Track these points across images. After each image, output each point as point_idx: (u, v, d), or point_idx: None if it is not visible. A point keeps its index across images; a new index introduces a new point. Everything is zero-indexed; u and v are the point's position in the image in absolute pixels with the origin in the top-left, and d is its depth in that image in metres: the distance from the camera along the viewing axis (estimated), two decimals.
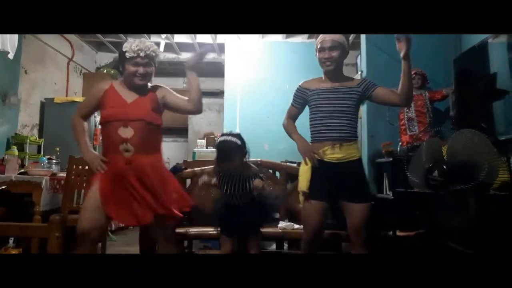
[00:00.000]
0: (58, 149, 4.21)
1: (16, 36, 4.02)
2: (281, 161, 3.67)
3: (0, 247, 3.09)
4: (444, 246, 2.55)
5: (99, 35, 6.49)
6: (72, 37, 6.44)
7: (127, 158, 2.18)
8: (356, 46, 5.48)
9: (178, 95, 2.39)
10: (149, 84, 2.38)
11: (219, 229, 2.50)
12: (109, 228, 4.64)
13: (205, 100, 8.17)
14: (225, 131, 5.97)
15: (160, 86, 2.41)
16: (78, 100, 5.71)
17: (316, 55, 2.36)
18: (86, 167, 3.34)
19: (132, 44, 2.21)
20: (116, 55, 2.29)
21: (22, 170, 3.60)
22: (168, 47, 6.85)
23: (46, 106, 5.75)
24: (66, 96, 6.25)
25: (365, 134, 4.43)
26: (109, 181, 2.19)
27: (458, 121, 3.65)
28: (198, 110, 2.38)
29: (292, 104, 2.47)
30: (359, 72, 4.89)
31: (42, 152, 5.12)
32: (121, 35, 6.37)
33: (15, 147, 4.01)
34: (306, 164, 2.28)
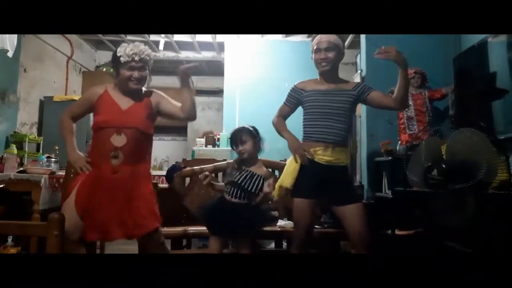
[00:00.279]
0: (57, 147, 4.20)
1: (15, 34, 4.01)
2: (280, 160, 3.67)
3: None
4: (443, 245, 2.55)
5: (99, 34, 6.48)
6: (72, 35, 6.43)
7: (115, 166, 2.16)
8: (355, 45, 5.49)
9: (173, 101, 2.37)
10: (144, 89, 2.36)
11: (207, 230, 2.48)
12: None
13: (205, 99, 8.23)
14: (224, 129, 6.00)
15: (154, 92, 2.39)
16: (77, 99, 5.70)
17: (312, 57, 2.37)
18: None
19: (126, 48, 2.20)
20: (117, 54, 2.28)
21: (21, 169, 3.59)
22: (168, 46, 6.85)
23: (45, 104, 5.75)
24: (65, 94, 6.24)
25: (364, 133, 4.43)
26: (90, 187, 2.16)
27: (457, 120, 3.65)
28: (191, 118, 2.37)
29: (284, 103, 2.48)
30: (359, 71, 4.89)
31: (41, 151, 5.11)
32: (121, 34, 6.37)
33: (14, 145, 4.00)
34: (296, 161, 2.28)
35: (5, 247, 3.17)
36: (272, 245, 3.49)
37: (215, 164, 3.12)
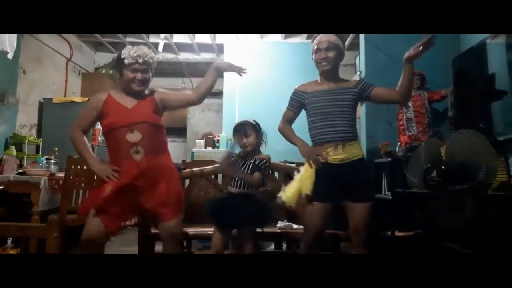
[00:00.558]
0: (56, 149, 4.21)
1: (15, 36, 4.02)
2: (280, 161, 3.67)
3: None
4: (443, 246, 2.55)
5: (98, 35, 6.49)
6: (71, 37, 6.43)
7: (138, 161, 2.22)
8: (354, 46, 5.50)
9: (175, 92, 2.45)
10: (147, 90, 2.40)
11: (213, 222, 2.50)
12: None
13: (204, 100, 8.20)
14: (223, 131, 6.00)
15: (156, 90, 2.45)
16: (76, 101, 5.71)
17: (312, 57, 2.37)
18: (85, 167, 3.33)
19: (131, 50, 2.25)
20: (115, 55, 2.32)
21: (21, 170, 3.59)
22: (167, 48, 6.85)
23: (44, 106, 5.74)
24: (65, 96, 6.24)
25: (363, 135, 4.43)
26: (118, 188, 2.20)
27: (457, 122, 3.66)
28: (200, 100, 2.47)
29: (288, 108, 2.46)
30: (358, 73, 4.90)
31: (40, 152, 5.11)
32: (120, 35, 6.37)
33: (14, 147, 4.00)
34: (311, 167, 2.25)
35: (4, 248, 3.17)
36: (272, 246, 3.49)
37: (215, 165, 3.12)
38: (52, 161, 3.91)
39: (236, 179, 2.44)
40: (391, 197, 3.56)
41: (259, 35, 6.22)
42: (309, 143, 2.37)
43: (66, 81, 6.41)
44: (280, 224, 2.92)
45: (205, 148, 6.14)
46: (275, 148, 5.35)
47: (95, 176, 3.39)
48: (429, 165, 2.17)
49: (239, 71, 2.43)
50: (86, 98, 5.68)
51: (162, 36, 6.24)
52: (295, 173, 2.38)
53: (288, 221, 2.96)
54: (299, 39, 6.24)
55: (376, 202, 2.33)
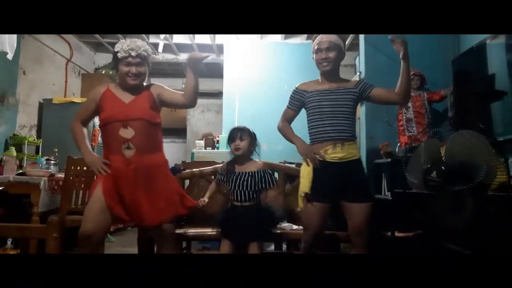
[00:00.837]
0: (56, 150, 4.21)
1: (14, 36, 4.01)
2: (280, 162, 3.67)
3: None
4: (443, 247, 2.55)
5: (98, 36, 6.49)
6: (71, 37, 6.44)
7: (129, 158, 2.21)
8: (354, 47, 5.49)
9: (173, 90, 2.41)
10: (144, 83, 2.39)
11: (220, 230, 2.52)
12: None
13: (204, 101, 8.23)
14: (223, 131, 6.00)
15: (154, 84, 2.43)
16: (76, 101, 5.71)
17: (313, 57, 2.38)
18: (85, 168, 3.33)
19: (124, 44, 2.24)
20: (123, 53, 2.34)
21: (20, 171, 3.59)
22: (167, 48, 6.85)
23: (44, 106, 5.74)
24: (65, 97, 6.24)
25: (363, 135, 4.43)
26: (112, 182, 2.20)
27: (457, 122, 3.66)
28: (191, 103, 2.39)
29: (288, 107, 2.47)
30: (358, 73, 4.90)
31: (40, 153, 5.11)
32: (120, 36, 6.37)
33: (13, 147, 4.00)
34: (308, 165, 2.27)
35: (4, 249, 3.16)
36: (272, 247, 3.48)
37: (215, 166, 3.12)
38: (52, 161, 3.91)
39: (238, 195, 2.44)
40: (391, 198, 3.56)
41: (259, 35, 6.22)
42: (308, 142, 2.38)
43: (66, 81, 6.41)
44: (280, 225, 2.92)
45: (205, 148, 6.14)
46: (276, 148, 5.39)
47: (95, 176, 3.40)
48: (429, 166, 2.17)
49: (205, 57, 2.33)
50: (86, 99, 5.68)
51: (162, 36, 6.24)
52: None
53: (288, 222, 2.95)
54: (299, 40, 6.24)
55: (375, 202, 2.33)
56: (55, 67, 6.15)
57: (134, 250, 2.75)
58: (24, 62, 5.28)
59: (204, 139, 6.30)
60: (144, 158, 2.23)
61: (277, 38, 6.28)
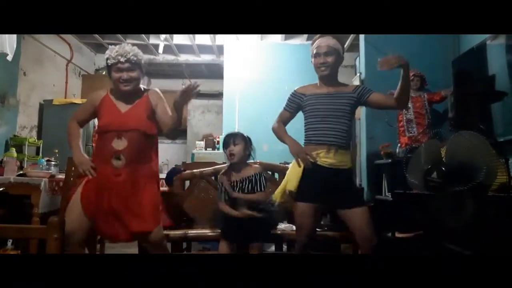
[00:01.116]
0: (57, 150, 4.20)
1: (15, 38, 4.02)
2: (280, 163, 3.67)
3: None
4: (443, 247, 2.55)
5: (98, 37, 6.50)
6: (71, 39, 6.44)
7: (117, 169, 2.17)
8: (354, 48, 5.50)
9: (168, 109, 2.30)
10: (143, 87, 2.35)
11: (219, 231, 2.52)
12: None
13: (204, 102, 8.24)
14: (224, 132, 6.01)
15: (154, 91, 2.37)
16: (76, 102, 5.71)
17: (311, 61, 2.37)
18: None
19: (113, 50, 2.20)
20: (112, 59, 2.31)
21: (21, 172, 3.58)
22: (167, 49, 6.86)
23: (44, 107, 5.75)
24: (65, 97, 6.25)
25: (364, 136, 4.44)
26: (94, 189, 2.18)
27: (457, 123, 3.66)
28: (169, 135, 2.34)
29: (285, 108, 2.47)
30: (358, 74, 4.90)
31: (40, 154, 5.11)
32: (120, 37, 6.38)
33: (14, 148, 4.01)
34: (299, 165, 2.26)
35: (4, 250, 3.17)
36: (273, 248, 3.48)
37: (215, 167, 3.12)
38: (53, 162, 3.91)
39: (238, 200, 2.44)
40: (391, 198, 3.56)
41: (259, 36, 6.22)
42: (303, 144, 2.38)
43: (66, 82, 6.42)
44: (280, 225, 2.92)
45: (205, 149, 6.15)
46: (276, 149, 5.38)
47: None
48: (429, 166, 2.17)
49: (192, 89, 2.12)
50: (86, 100, 5.69)
51: (162, 37, 6.25)
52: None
53: (288, 223, 2.95)
54: (299, 41, 6.24)
55: (375, 203, 2.33)
56: (55, 68, 6.16)
57: (135, 251, 2.74)
58: (24, 63, 5.29)
59: (204, 140, 6.31)
60: (133, 169, 2.19)
61: (277, 39, 6.28)
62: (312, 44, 2.37)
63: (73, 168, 3.38)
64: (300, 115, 2.46)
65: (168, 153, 7.96)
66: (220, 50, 6.77)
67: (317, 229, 2.78)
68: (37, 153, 5.25)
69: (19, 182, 3.30)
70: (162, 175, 5.87)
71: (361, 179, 4.63)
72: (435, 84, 4.17)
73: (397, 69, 2.12)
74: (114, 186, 2.17)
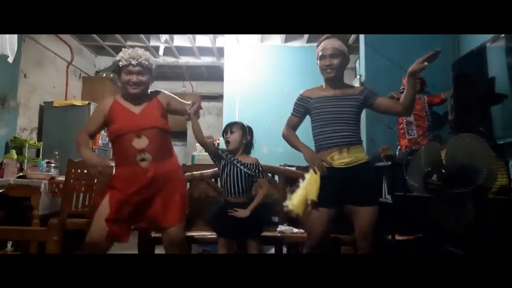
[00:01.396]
0: (57, 152, 4.21)
1: (15, 39, 4.02)
2: (280, 165, 3.67)
3: None
4: (443, 250, 2.55)
5: (99, 39, 6.50)
6: (72, 40, 6.45)
7: (145, 167, 2.21)
8: (354, 50, 5.50)
9: (181, 100, 2.45)
10: (149, 91, 2.41)
11: (214, 232, 2.51)
12: None
13: (204, 104, 8.22)
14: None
15: (161, 92, 2.45)
16: (77, 104, 5.72)
17: (317, 63, 2.37)
18: (85, 171, 3.33)
19: (126, 53, 2.26)
20: (115, 58, 2.35)
21: (21, 174, 3.59)
22: (168, 51, 6.87)
23: (45, 109, 5.75)
24: (65, 99, 6.24)
25: (364, 138, 4.42)
26: (123, 194, 2.20)
27: (457, 125, 3.66)
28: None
29: (292, 114, 2.46)
30: (358, 76, 4.91)
31: (41, 156, 5.11)
32: (121, 39, 6.39)
33: (14, 150, 4.01)
34: (316, 173, 2.24)
35: (4, 252, 3.17)
36: (272, 250, 3.48)
37: (215, 169, 3.12)
38: (53, 164, 3.92)
39: (231, 187, 2.43)
40: (391, 201, 3.55)
41: (259, 39, 6.23)
42: (313, 148, 2.37)
43: (66, 84, 6.42)
44: (281, 228, 2.92)
45: (205, 151, 6.14)
46: (276, 151, 5.39)
47: (95, 180, 3.40)
48: (429, 169, 2.17)
49: (196, 108, 2.32)
50: (87, 102, 5.70)
51: (163, 39, 6.25)
52: (300, 180, 2.36)
53: (288, 225, 2.96)
54: (299, 43, 6.25)
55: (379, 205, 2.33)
56: (56, 70, 6.16)
57: (134, 251, 2.74)
58: (25, 65, 5.29)
59: None
60: (160, 165, 2.25)
61: (277, 41, 6.29)
62: (317, 46, 2.37)
63: (73, 170, 3.39)
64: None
65: None
66: (220, 52, 6.77)
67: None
68: (37, 155, 5.25)
69: (19, 184, 3.30)
70: None
71: None
72: (435, 86, 4.17)
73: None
74: (147, 184, 2.21)
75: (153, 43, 6.54)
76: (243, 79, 6.16)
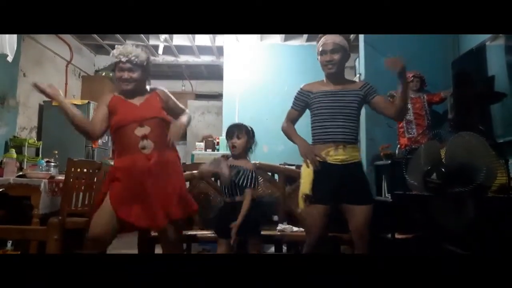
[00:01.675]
0: (56, 151, 4.21)
1: (15, 39, 4.02)
2: (280, 164, 3.67)
3: None
4: (443, 248, 2.55)
5: (98, 38, 6.49)
6: (71, 40, 6.44)
7: (148, 154, 2.22)
8: (354, 49, 5.49)
9: (178, 103, 2.49)
10: (149, 88, 2.42)
11: (213, 232, 2.50)
12: None
13: (204, 103, 8.23)
14: (224, 133, 6.00)
15: (161, 89, 2.47)
16: (76, 103, 5.71)
17: (318, 58, 2.36)
18: (85, 170, 3.34)
19: (118, 49, 2.28)
20: (115, 58, 2.38)
21: (21, 173, 3.59)
22: (167, 50, 6.86)
23: (44, 108, 5.75)
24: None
25: (363, 137, 4.43)
26: (125, 183, 2.21)
27: (456, 124, 3.66)
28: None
29: (292, 107, 2.45)
30: (357, 75, 4.91)
31: (40, 155, 5.11)
32: (120, 38, 6.38)
33: (14, 149, 4.00)
34: (308, 166, 2.26)
35: (4, 251, 3.17)
36: (272, 249, 3.48)
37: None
38: (52, 163, 3.91)
39: (229, 189, 2.41)
40: (391, 200, 3.55)
41: (259, 37, 6.22)
42: (311, 142, 2.37)
43: (66, 83, 6.41)
44: (280, 226, 2.92)
45: (205, 150, 6.14)
46: (276, 150, 5.40)
47: (95, 178, 3.40)
48: (429, 168, 2.17)
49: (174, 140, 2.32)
50: (86, 101, 5.69)
51: (162, 38, 6.25)
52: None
53: (288, 224, 2.95)
54: (299, 42, 6.25)
55: (376, 204, 2.32)
56: (55, 69, 6.16)
57: (134, 252, 2.74)
58: (24, 64, 5.29)
59: (204, 141, 6.30)
60: (161, 153, 2.26)
61: (277, 40, 6.29)
62: (318, 41, 2.36)
63: (72, 169, 3.38)
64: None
65: None
66: (220, 51, 6.77)
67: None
68: (37, 154, 5.24)
69: (19, 183, 3.30)
70: None
71: None
72: (435, 85, 4.17)
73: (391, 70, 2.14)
74: (150, 170, 2.21)
75: (152, 41, 6.53)
76: (243, 78, 6.16)
